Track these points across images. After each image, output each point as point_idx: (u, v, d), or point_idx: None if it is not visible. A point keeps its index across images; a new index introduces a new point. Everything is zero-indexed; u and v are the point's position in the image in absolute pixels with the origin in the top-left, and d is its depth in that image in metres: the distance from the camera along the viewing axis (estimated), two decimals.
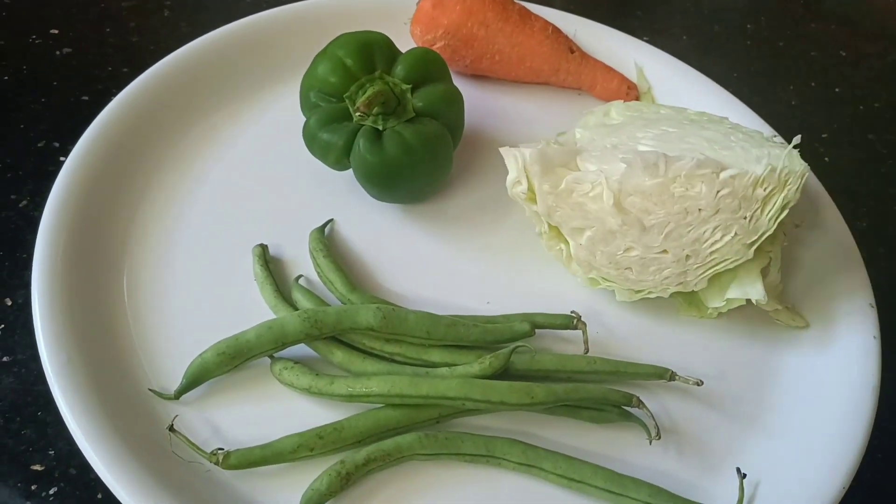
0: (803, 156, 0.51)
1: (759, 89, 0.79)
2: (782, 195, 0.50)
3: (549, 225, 0.55)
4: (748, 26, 0.89)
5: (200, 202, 0.58)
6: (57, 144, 0.64)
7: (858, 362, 0.52)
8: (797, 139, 0.50)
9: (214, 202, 0.59)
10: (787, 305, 0.56)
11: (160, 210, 0.57)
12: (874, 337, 0.53)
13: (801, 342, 0.55)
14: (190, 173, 0.60)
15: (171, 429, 0.44)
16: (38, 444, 0.48)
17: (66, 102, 0.68)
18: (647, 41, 0.74)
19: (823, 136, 0.76)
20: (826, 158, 0.73)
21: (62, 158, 0.60)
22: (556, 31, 0.70)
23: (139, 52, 0.72)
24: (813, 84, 0.82)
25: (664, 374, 0.50)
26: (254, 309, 0.52)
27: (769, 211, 0.50)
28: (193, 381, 0.47)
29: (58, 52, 0.72)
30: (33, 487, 0.46)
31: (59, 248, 0.50)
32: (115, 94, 0.60)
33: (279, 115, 0.65)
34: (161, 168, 0.60)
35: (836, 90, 0.82)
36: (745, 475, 0.46)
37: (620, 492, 0.45)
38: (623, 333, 0.55)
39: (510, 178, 0.54)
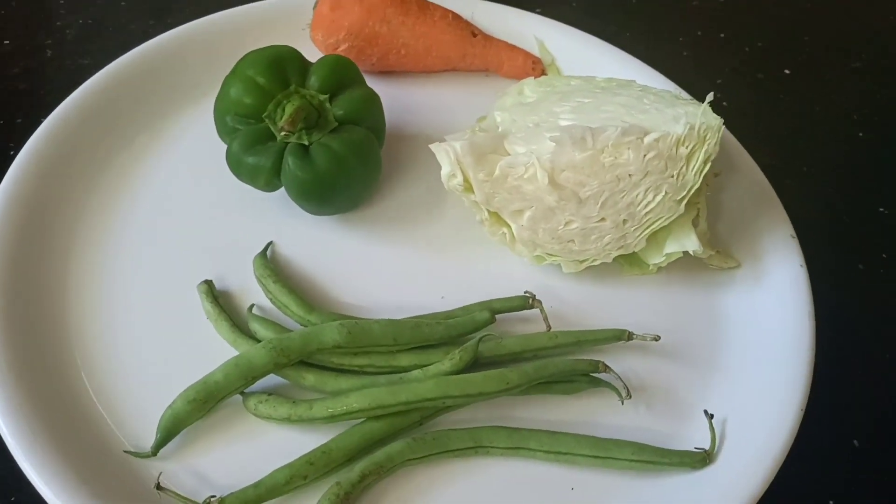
0: (701, 101, 0.54)
1: (652, 45, 0.82)
2: (703, 150, 0.53)
3: (489, 211, 0.56)
4: None
5: (133, 247, 0.56)
6: None
7: (791, 290, 0.56)
8: (710, 96, 0.53)
9: (147, 245, 0.57)
10: (718, 249, 0.60)
11: (92, 262, 0.55)
12: (800, 265, 0.57)
13: (737, 281, 0.58)
14: (115, 218, 0.58)
15: (159, 486, 0.43)
16: None
17: None
18: (539, 12, 0.76)
19: (718, 81, 0.80)
20: (724, 103, 0.77)
21: None
22: (456, 16, 0.71)
23: (30, 98, 0.68)
24: (699, 33, 0.86)
25: (622, 336, 0.53)
26: (213, 347, 0.51)
27: (693, 166, 0.53)
28: (168, 433, 0.46)
29: None
30: None
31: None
32: (13, 149, 0.57)
33: (196, 141, 0.63)
34: (85, 217, 0.57)
35: (722, 35, 0.86)
36: (712, 415, 0.49)
37: (606, 455, 0.47)
38: (575, 303, 0.57)
39: (444, 172, 0.55)
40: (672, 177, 0.53)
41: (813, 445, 0.54)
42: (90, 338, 0.51)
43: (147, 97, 0.64)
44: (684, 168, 0.53)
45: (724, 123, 0.53)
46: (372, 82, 0.60)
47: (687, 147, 0.53)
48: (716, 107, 0.52)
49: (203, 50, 0.67)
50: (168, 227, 0.58)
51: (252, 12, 0.72)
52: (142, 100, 0.64)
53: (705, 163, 0.53)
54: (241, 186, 0.57)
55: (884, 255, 0.67)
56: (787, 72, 0.82)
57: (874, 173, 0.74)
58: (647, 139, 0.52)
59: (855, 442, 0.55)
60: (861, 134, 0.77)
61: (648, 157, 0.52)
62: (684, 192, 0.54)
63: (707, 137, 0.53)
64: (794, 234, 0.59)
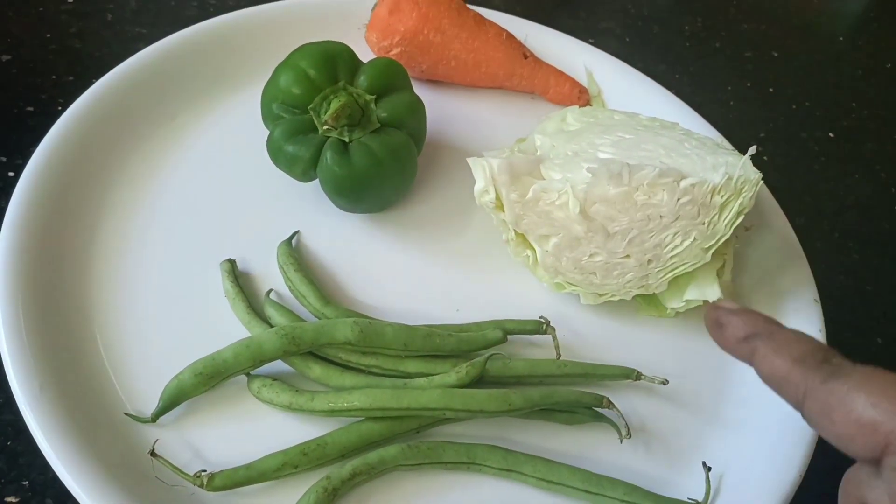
0: (743, 153, 0.54)
1: (699, 88, 0.82)
2: (738, 202, 0.53)
3: (517, 232, 0.56)
4: (685, 28, 0.92)
5: (162, 218, 0.57)
6: (4, 159, 0.61)
7: None
8: (752, 150, 0.53)
9: (176, 218, 0.58)
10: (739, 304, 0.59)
11: (121, 229, 0.56)
12: (819, 331, 0.56)
13: None
14: (149, 189, 0.59)
15: (153, 453, 0.44)
16: (10, 475, 0.46)
17: (9, 114, 0.65)
18: (592, 43, 0.77)
19: (761, 135, 0.80)
20: (764, 157, 0.77)
21: (10, 174, 0.58)
22: (510, 36, 0.71)
23: (83, 58, 0.70)
24: (749, 84, 0.86)
25: (630, 375, 0.53)
26: (226, 326, 0.51)
27: (726, 217, 0.53)
28: (170, 402, 0.47)
29: None
30: None
31: (22, 275, 0.49)
32: (61, 104, 0.58)
33: (237, 125, 0.64)
34: (119, 184, 0.58)
35: (770, 90, 0.86)
36: (710, 468, 0.49)
37: (598, 491, 0.47)
38: (588, 335, 0.57)
39: (478, 187, 0.55)
40: (703, 224, 0.53)
41: None
42: (109, 300, 0.52)
43: (195, 76, 0.65)
44: (716, 217, 0.53)
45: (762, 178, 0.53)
46: (418, 88, 0.61)
47: (722, 196, 0.52)
48: (755, 160, 0.52)
49: (258, 37, 0.68)
50: (201, 203, 0.59)
51: (311, 6, 0.73)
52: (189, 78, 0.65)
53: (738, 215, 0.53)
54: (276, 175, 0.58)
55: None
56: (830, 135, 0.82)
57: None
58: (683, 183, 0.52)
59: None
60: None
61: (682, 201, 0.52)
62: (713, 241, 0.54)
63: (744, 190, 0.52)
64: (818, 299, 0.58)
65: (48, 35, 0.72)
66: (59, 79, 0.68)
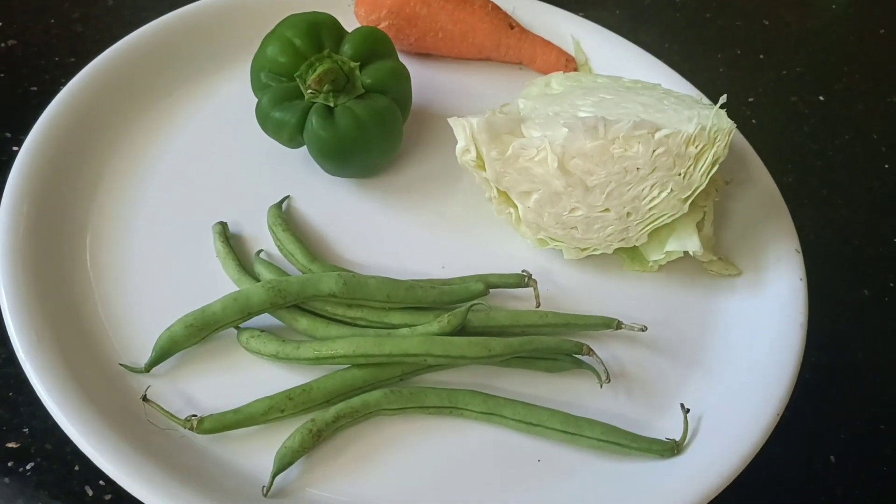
0: (731, 117, 0.55)
1: (689, 57, 0.83)
2: (712, 151, 0.54)
3: (498, 190, 0.57)
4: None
5: (158, 183, 0.60)
6: (9, 135, 0.64)
7: (788, 302, 0.56)
8: (723, 98, 0.54)
9: (172, 183, 0.60)
10: (720, 256, 0.60)
11: (119, 192, 0.58)
12: (800, 279, 0.57)
13: (736, 288, 0.59)
14: (146, 156, 0.61)
15: (145, 398, 0.46)
16: (12, 423, 0.49)
17: (14, 94, 0.68)
18: (582, 16, 0.78)
19: (750, 99, 0.81)
20: (753, 121, 0.78)
21: (14, 148, 0.60)
22: (496, 7, 0.73)
23: (85, 41, 0.72)
24: (739, 52, 0.87)
25: (611, 324, 0.54)
26: (217, 284, 0.53)
27: (701, 167, 0.54)
28: (162, 354, 0.49)
29: (2, 45, 0.72)
30: (10, 464, 0.47)
31: (20, 232, 0.51)
32: (63, 84, 0.60)
33: (230, 97, 0.66)
34: (117, 152, 0.60)
35: (761, 56, 0.86)
36: (688, 410, 0.50)
37: (576, 431, 0.49)
38: (572, 290, 0.58)
39: (459, 146, 0.57)
40: (679, 175, 0.54)
41: (788, 455, 0.54)
42: (106, 255, 0.54)
43: (192, 53, 0.67)
44: (692, 167, 0.54)
45: (746, 138, 0.54)
46: (408, 63, 0.62)
47: (696, 147, 0.53)
48: (744, 123, 0.53)
49: (252, 15, 0.70)
50: (195, 170, 0.61)
51: None
52: (186, 55, 0.67)
53: (714, 164, 0.54)
54: (267, 143, 0.60)
55: (891, 285, 0.67)
56: (821, 98, 0.82)
57: (894, 205, 0.73)
58: (657, 135, 0.53)
59: (832, 458, 0.55)
60: (887, 166, 0.77)
61: (657, 152, 0.53)
62: (690, 192, 0.55)
63: (717, 139, 0.53)
64: (800, 249, 0.59)
65: (52, 21, 0.75)
66: (62, 60, 0.70)
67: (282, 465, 0.45)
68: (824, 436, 0.56)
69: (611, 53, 0.75)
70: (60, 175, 0.56)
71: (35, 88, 0.68)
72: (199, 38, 0.68)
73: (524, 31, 0.74)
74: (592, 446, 0.49)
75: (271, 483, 0.44)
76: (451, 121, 0.58)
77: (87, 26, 0.75)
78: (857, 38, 0.91)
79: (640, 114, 0.57)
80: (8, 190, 0.53)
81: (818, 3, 0.96)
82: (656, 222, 0.56)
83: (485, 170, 0.57)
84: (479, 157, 0.57)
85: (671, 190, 0.55)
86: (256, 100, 0.60)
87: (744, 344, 0.55)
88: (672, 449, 0.49)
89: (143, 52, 0.65)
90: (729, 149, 0.54)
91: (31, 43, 0.72)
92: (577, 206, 0.56)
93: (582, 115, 0.58)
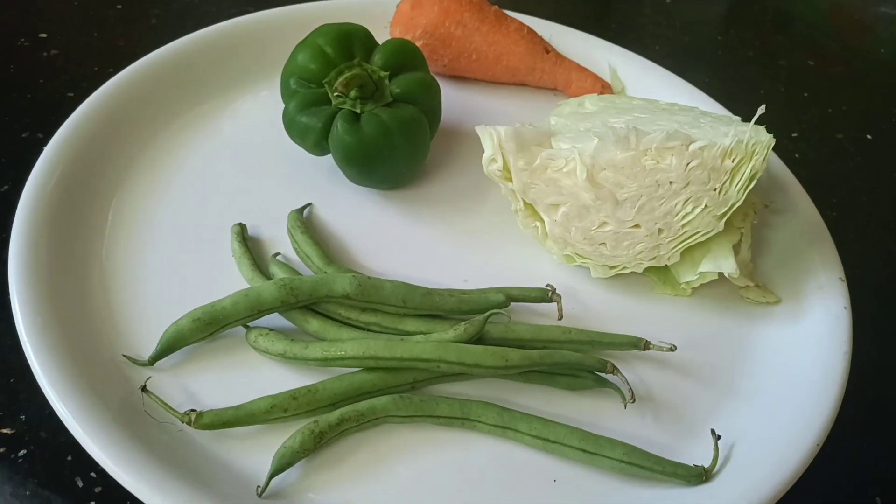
0: (773, 149, 0.52)
1: (730, 93, 0.81)
2: (750, 165, 0.51)
3: (525, 202, 0.56)
4: (718, 38, 0.92)
5: (182, 184, 0.59)
6: (41, 135, 0.65)
7: (831, 330, 0.52)
8: (762, 109, 0.52)
9: (196, 185, 0.60)
10: (758, 283, 0.57)
11: (143, 188, 0.58)
12: (844, 307, 0.53)
13: (774, 316, 0.55)
14: (173, 159, 0.61)
15: (144, 389, 0.44)
16: (10, 409, 0.47)
17: (51, 98, 0.69)
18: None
19: (794, 134, 0.78)
20: (796, 155, 0.75)
21: None
22: (531, 31, 0.72)
23: (124, 55, 0.74)
24: (782, 89, 0.85)
25: (639, 343, 0.51)
26: (231, 283, 0.52)
27: (738, 182, 0.51)
28: (168, 347, 0.47)
29: (45, 54, 0.74)
30: (2, 450, 0.45)
31: (39, 218, 0.51)
32: None
33: (261, 109, 0.66)
34: (144, 152, 0.61)
35: (805, 94, 0.84)
36: (719, 436, 0.46)
37: (596, 451, 0.45)
38: (598, 309, 0.55)
39: (486, 155, 0.55)
40: (714, 190, 0.52)
41: (829, 492, 0.50)
42: (123, 247, 0.54)
43: (229, 66, 0.69)
44: (728, 182, 0.52)
45: (786, 164, 0.51)
46: (441, 84, 0.61)
47: (733, 160, 0.51)
48: (787, 157, 0.51)
49: (286, 36, 0.70)
50: (221, 172, 0.61)
51: (342, 6, 0.75)
52: (223, 67, 0.68)
53: (751, 180, 0.51)
54: (293, 152, 0.59)
55: None
56: (868, 137, 0.79)
57: None
58: (691, 146, 0.51)
59: (878, 500, 0.50)
60: None
61: (692, 165, 0.51)
62: (726, 208, 0.52)
63: (755, 153, 0.51)
64: (844, 278, 0.56)
65: (95, 34, 0.77)
66: (101, 70, 0.72)
67: (280, 466, 0.42)
68: (869, 474, 0.51)
69: (649, 81, 0.73)
70: (83, 172, 0.56)
71: (72, 94, 0.69)
72: (231, 53, 0.70)
73: (559, 56, 0.73)
74: (613, 468, 0.45)
75: (267, 483, 0.42)
76: (478, 128, 0.56)
77: (129, 40, 0.77)
78: None
79: (675, 129, 0.55)
80: (31, 181, 0.53)
81: (865, 50, 0.93)
82: (689, 240, 0.53)
83: (511, 180, 0.55)
84: (505, 166, 0.55)
85: (706, 206, 0.52)
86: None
87: (781, 371, 0.51)
88: (700, 475, 0.45)
89: (175, 63, 0.67)
90: (768, 173, 0.52)
91: (73, 53, 0.74)
92: (606, 221, 0.54)
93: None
